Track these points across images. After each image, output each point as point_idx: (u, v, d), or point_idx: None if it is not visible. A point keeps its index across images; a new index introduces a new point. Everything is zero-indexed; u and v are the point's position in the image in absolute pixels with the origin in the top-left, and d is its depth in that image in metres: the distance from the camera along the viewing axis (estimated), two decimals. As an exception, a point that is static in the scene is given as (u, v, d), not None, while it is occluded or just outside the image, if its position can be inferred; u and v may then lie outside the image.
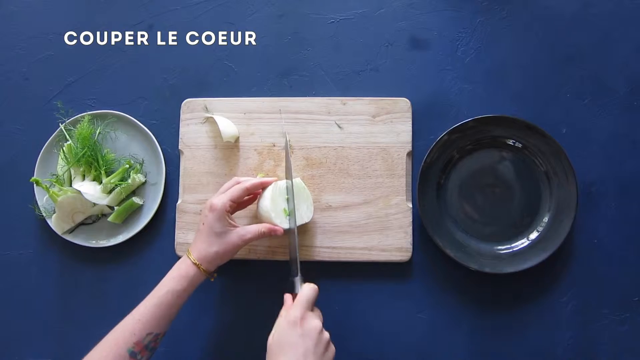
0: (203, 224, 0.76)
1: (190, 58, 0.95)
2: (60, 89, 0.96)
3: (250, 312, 0.87)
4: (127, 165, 0.89)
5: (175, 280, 0.74)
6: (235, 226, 0.77)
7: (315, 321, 0.68)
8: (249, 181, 0.80)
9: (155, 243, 0.90)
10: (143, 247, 0.90)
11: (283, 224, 0.80)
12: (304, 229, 0.86)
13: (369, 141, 0.88)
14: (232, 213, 0.78)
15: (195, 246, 0.76)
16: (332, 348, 0.70)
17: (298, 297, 0.71)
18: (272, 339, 0.68)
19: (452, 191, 0.87)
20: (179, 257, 0.87)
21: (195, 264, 0.74)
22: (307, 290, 0.72)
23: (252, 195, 0.83)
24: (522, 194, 0.85)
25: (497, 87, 0.90)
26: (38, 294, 0.91)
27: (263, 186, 0.81)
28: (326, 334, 0.69)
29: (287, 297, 0.74)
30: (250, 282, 0.88)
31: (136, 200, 0.88)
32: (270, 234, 0.78)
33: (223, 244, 0.75)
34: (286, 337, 0.67)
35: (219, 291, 0.88)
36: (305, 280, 0.75)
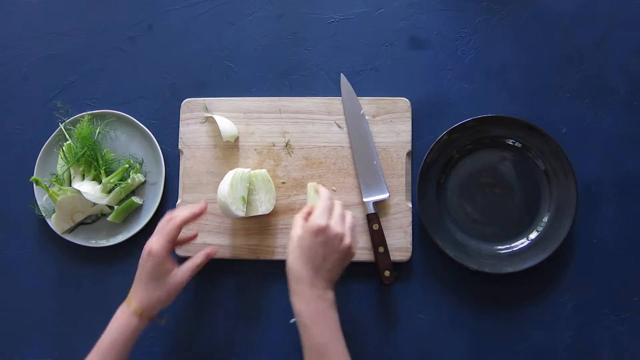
0: (143, 269, 0.75)
1: (190, 58, 0.95)
2: (60, 89, 0.96)
3: (250, 312, 0.87)
4: (127, 165, 0.89)
5: (119, 330, 0.73)
6: (173, 267, 0.76)
7: (333, 230, 0.71)
8: (179, 216, 0.77)
9: (154, 243, 0.90)
10: (143, 247, 0.89)
11: (239, 212, 0.80)
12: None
13: (368, 141, 0.88)
14: (171, 251, 0.77)
15: (136, 294, 0.75)
16: (352, 253, 0.73)
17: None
18: (293, 245, 0.72)
19: (452, 191, 0.86)
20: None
21: (137, 313, 0.74)
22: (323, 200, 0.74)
23: (194, 234, 0.84)
24: (522, 194, 0.85)
25: (497, 87, 0.90)
26: (38, 293, 0.91)
27: (194, 216, 0.78)
28: (346, 241, 0.72)
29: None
30: (250, 282, 0.88)
31: (136, 199, 0.88)
32: (208, 259, 0.79)
33: (165, 289, 0.75)
34: (307, 242, 0.71)
35: (218, 291, 0.88)
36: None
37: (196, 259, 0.78)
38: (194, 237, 0.84)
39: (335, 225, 0.71)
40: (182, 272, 0.76)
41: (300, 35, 0.94)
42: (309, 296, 0.69)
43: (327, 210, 0.73)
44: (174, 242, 0.77)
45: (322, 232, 0.70)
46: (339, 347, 0.69)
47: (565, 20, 0.91)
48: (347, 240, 0.72)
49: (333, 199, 0.76)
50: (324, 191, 0.77)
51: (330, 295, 0.71)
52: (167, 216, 0.78)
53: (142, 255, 0.75)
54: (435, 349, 0.84)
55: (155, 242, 0.75)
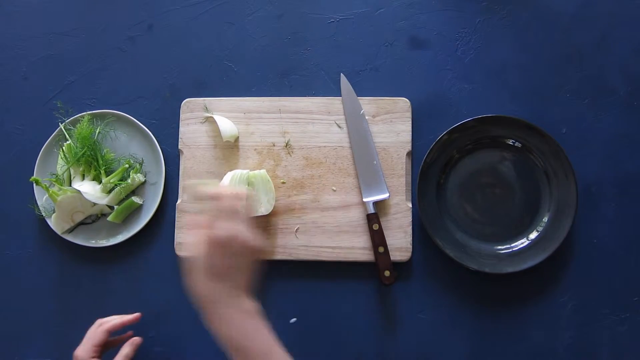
0: None
1: (190, 58, 0.95)
2: (60, 89, 0.96)
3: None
4: (127, 165, 0.89)
5: None
6: None
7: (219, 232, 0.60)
8: (109, 322, 0.80)
9: (154, 243, 0.90)
10: (143, 247, 0.90)
11: None
12: (304, 229, 0.86)
13: (368, 141, 0.88)
14: (99, 357, 0.78)
15: None
16: (254, 248, 0.62)
17: None
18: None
19: (452, 191, 0.86)
20: (178, 257, 0.87)
21: None
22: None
23: (128, 333, 0.85)
24: (522, 194, 0.85)
25: (497, 87, 0.90)
26: (38, 293, 0.91)
27: (123, 324, 0.81)
28: (241, 237, 0.61)
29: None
30: (249, 282, 0.88)
31: (136, 199, 0.88)
32: (136, 348, 0.80)
33: None
34: (204, 258, 0.60)
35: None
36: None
37: (122, 351, 0.79)
38: (128, 335, 0.84)
39: (222, 226, 0.60)
40: None
41: (300, 35, 0.94)
42: (230, 316, 0.60)
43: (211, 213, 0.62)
44: (102, 346, 0.79)
45: (212, 239, 0.60)
46: (282, 355, 0.60)
47: (565, 20, 0.91)
48: (241, 235, 0.61)
49: (217, 195, 0.62)
50: (202, 192, 0.64)
51: (251, 304, 0.61)
52: (97, 322, 0.81)
53: None
54: (435, 349, 0.84)
55: (80, 348, 0.78)
